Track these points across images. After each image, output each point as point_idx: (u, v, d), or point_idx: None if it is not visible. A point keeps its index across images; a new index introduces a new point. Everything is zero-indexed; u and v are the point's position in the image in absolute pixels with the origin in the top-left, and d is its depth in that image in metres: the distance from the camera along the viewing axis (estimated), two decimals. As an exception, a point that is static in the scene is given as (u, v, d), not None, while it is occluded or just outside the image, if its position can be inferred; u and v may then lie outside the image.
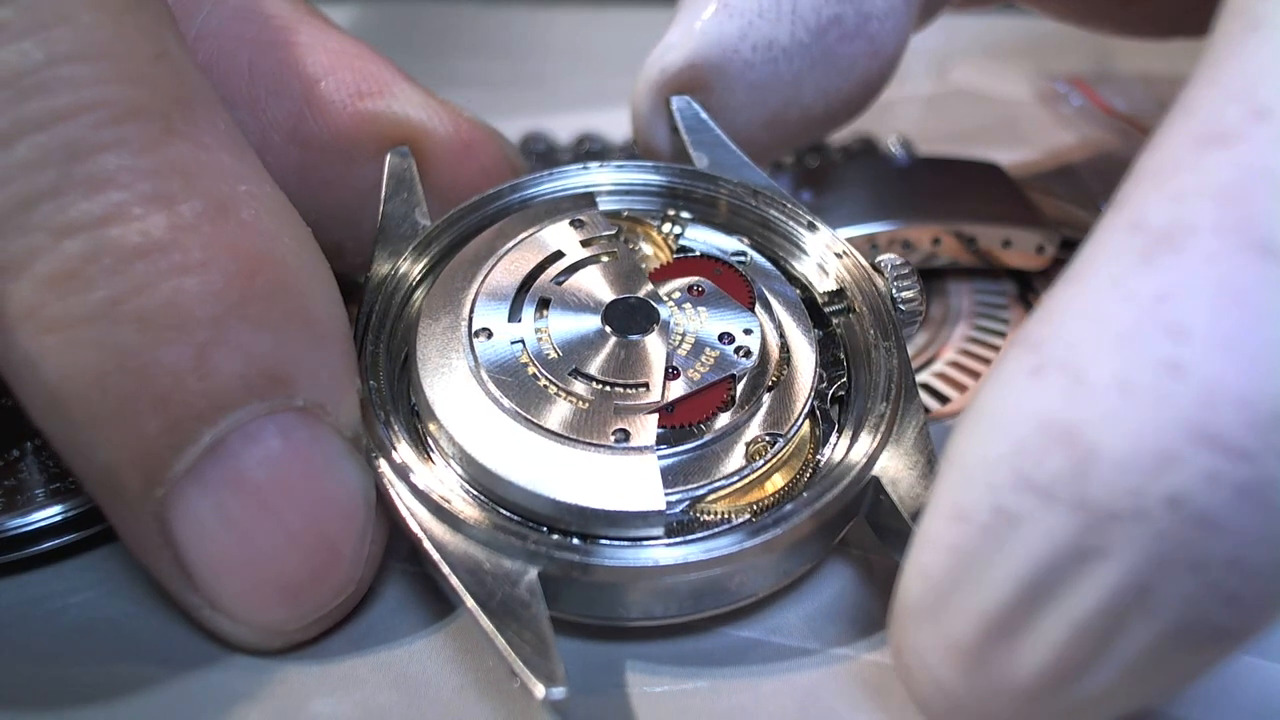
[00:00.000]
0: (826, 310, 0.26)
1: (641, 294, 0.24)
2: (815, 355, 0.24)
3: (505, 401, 0.22)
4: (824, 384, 0.24)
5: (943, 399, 0.29)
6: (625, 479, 0.21)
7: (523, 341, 0.23)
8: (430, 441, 0.22)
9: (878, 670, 0.22)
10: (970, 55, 0.47)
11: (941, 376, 0.30)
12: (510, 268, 0.25)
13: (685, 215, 0.27)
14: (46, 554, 0.24)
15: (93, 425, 0.19)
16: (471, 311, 0.24)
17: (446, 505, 0.21)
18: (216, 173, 0.20)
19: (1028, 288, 0.34)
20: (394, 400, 0.22)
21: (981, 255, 0.33)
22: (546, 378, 0.23)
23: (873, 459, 0.22)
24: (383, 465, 0.21)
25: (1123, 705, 0.17)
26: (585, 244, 0.25)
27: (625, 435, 0.22)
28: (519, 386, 0.22)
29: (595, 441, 0.22)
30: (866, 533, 0.23)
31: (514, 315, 0.24)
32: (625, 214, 0.27)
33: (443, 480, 0.21)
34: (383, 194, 0.26)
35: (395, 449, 0.21)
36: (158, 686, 0.21)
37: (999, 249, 0.33)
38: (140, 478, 0.19)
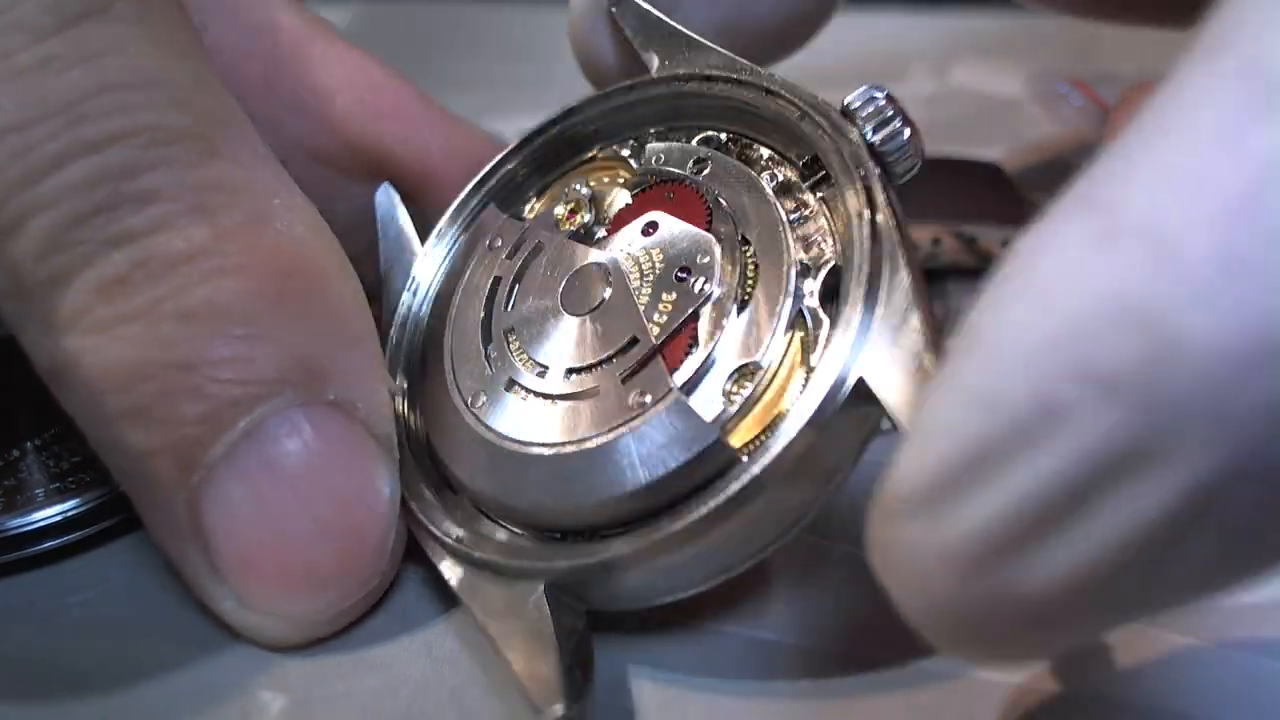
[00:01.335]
0: (805, 186, 0.22)
1: (590, 261, 0.23)
2: (789, 254, 0.21)
3: (539, 448, 0.21)
4: (808, 277, 0.21)
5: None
6: (668, 433, 0.20)
7: (512, 380, 0.22)
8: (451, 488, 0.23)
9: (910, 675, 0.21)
10: (970, 55, 0.47)
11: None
12: (463, 328, 0.24)
13: (643, 134, 0.25)
14: (47, 554, 0.24)
15: (132, 414, 0.20)
16: (454, 375, 0.23)
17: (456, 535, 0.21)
18: (254, 188, 0.21)
19: (1028, 287, 0.33)
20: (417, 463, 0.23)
21: (981, 255, 0.33)
22: (551, 396, 0.22)
23: (853, 353, 0.19)
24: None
25: (1137, 618, 0.16)
26: (511, 257, 0.24)
27: (642, 398, 0.21)
28: (539, 421, 0.22)
29: (621, 421, 0.21)
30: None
31: (490, 366, 0.23)
32: (588, 160, 0.26)
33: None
34: (378, 234, 0.26)
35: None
36: (158, 686, 0.21)
37: (999, 249, 0.33)
38: (176, 464, 0.20)
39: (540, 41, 0.55)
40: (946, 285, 0.34)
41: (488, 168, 0.26)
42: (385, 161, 0.27)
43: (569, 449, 0.21)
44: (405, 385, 0.24)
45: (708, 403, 0.20)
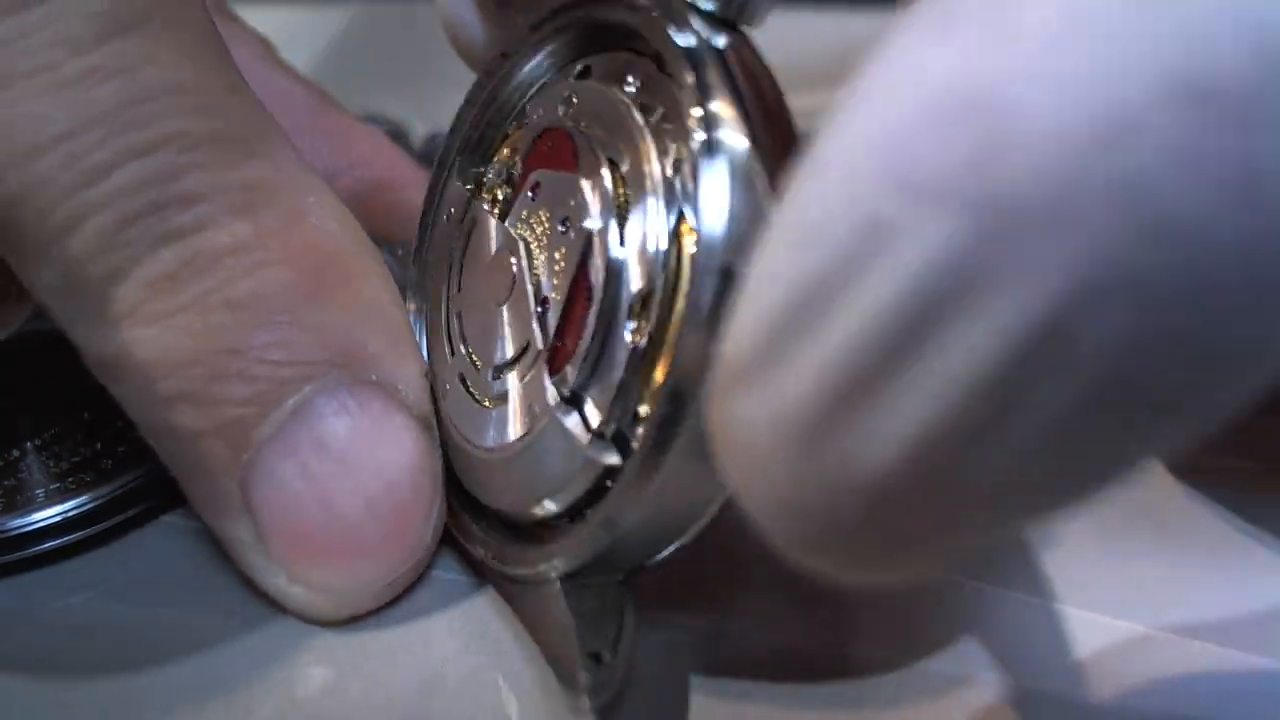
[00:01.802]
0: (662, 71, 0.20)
1: (494, 240, 0.22)
2: (653, 161, 0.19)
3: (480, 451, 0.22)
4: (671, 173, 0.19)
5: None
6: (550, 457, 0.20)
7: (462, 376, 0.23)
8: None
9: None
10: None
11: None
12: (423, 334, 0.24)
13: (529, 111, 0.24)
14: (47, 554, 0.24)
15: (183, 398, 0.21)
16: (433, 372, 0.23)
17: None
18: (289, 187, 0.22)
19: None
20: None
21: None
22: (482, 398, 0.22)
23: (676, 217, 0.18)
24: None
25: (1015, 510, 0.13)
26: (459, 232, 0.24)
27: (538, 406, 0.20)
28: (477, 420, 0.22)
29: (527, 432, 0.21)
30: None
31: (449, 352, 0.23)
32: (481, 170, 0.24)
33: None
34: None
35: None
36: (158, 686, 0.21)
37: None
38: (227, 444, 0.21)
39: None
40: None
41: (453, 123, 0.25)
42: (388, 230, 0.28)
43: (498, 455, 0.21)
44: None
45: (604, 391, 0.19)
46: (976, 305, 0.11)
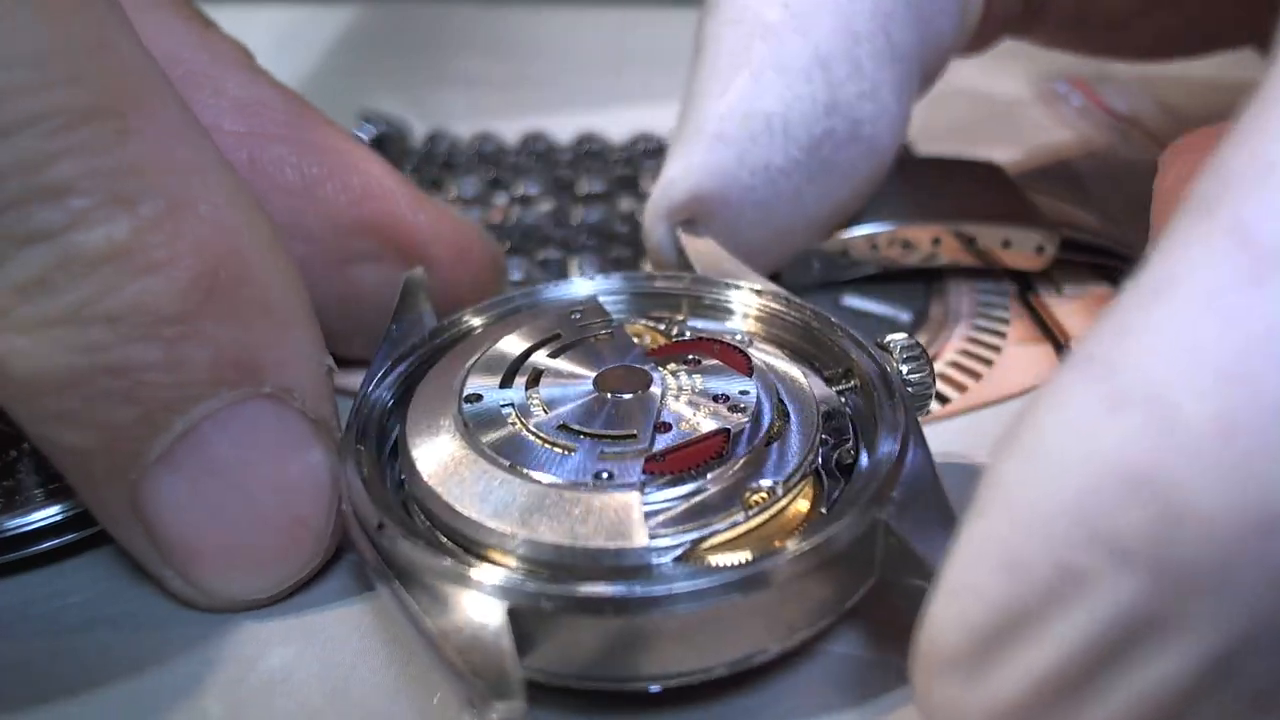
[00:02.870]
0: (833, 388, 0.25)
1: (636, 364, 0.24)
2: (817, 410, 0.23)
3: (483, 446, 0.22)
4: (829, 446, 0.23)
5: (943, 399, 0.29)
6: (605, 516, 0.20)
7: (512, 404, 0.23)
8: (415, 506, 0.22)
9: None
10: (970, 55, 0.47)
11: (941, 377, 0.30)
12: (505, 347, 0.25)
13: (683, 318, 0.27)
14: (45, 554, 0.24)
15: (65, 417, 0.20)
16: (464, 381, 0.23)
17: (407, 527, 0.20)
18: (174, 168, 0.20)
19: (1028, 288, 0.33)
20: (381, 479, 0.22)
21: (981, 255, 0.33)
22: (532, 431, 0.22)
23: (878, 498, 0.20)
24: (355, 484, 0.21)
25: None
26: (582, 326, 0.25)
27: (610, 476, 0.21)
28: (503, 438, 0.22)
29: (576, 480, 0.21)
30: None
31: (505, 384, 0.24)
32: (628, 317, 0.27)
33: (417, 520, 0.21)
34: (394, 307, 0.27)
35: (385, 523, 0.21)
36: (157, 686, 0.21)
37: (999, 249, 0.33)
38: (113, 464, 0.20)
39: (539, 41, 0.55)
40: (946, 285, 0.34)
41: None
42: (367, 247, 0.28)
43: (526, 483, 0.21)
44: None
45: (731, 510, 0.21)
46: (1153, 646, 0.14)
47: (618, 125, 0.44)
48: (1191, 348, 0.14)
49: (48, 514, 0.23)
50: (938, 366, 0.30)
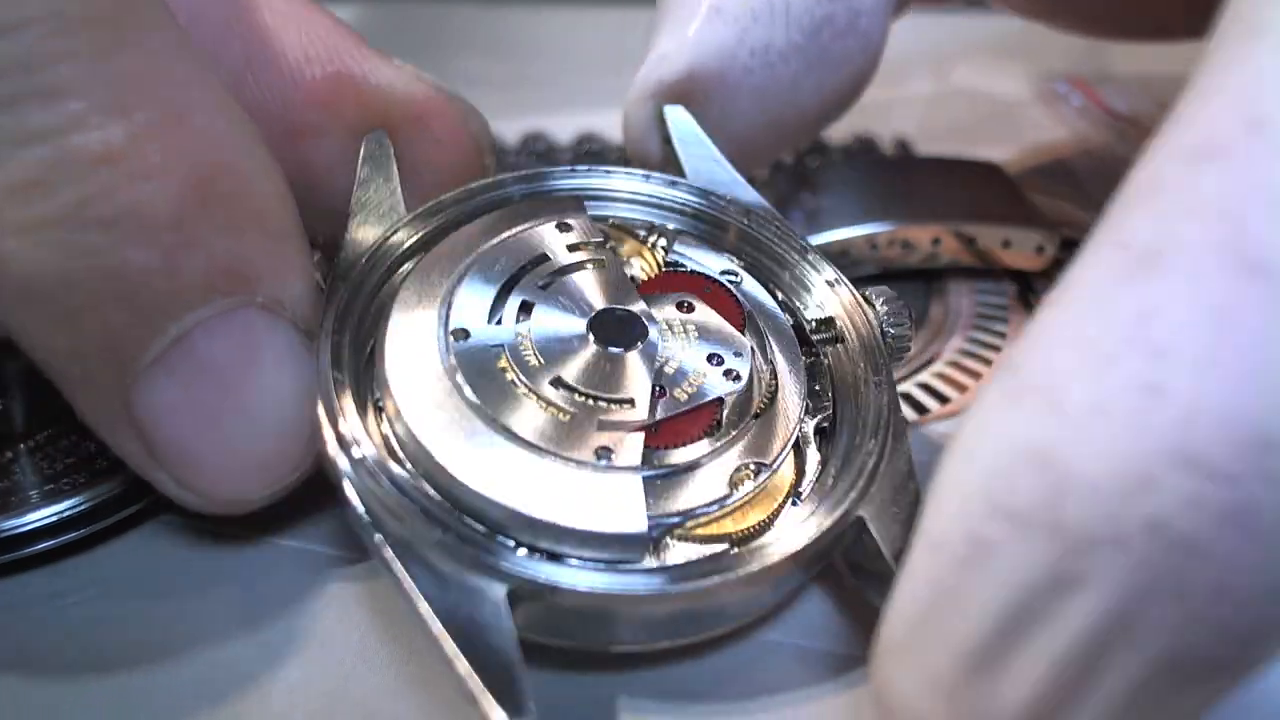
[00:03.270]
0: (814, 338, 0.25)
1: (631, 308, 0.24)
2: (802, 384, 0.24)
3: (481, 407, 0.21)
4: (809, 414, 0.24)
5: (943, 399, 0.29)
6: (607, 498, 0.20)
7: (503, 345, 0.22)
8: (396, 444, 0.21)
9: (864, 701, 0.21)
10: (970, 55, 0.47)
11: (941, 377, 0.30)
12: (492, 267, 0.24)
13: (672, 228, 0.26)
14: (41, 555, 0.23)
15: (61, 320, 0.20)
16: (448, 310, 0.23)
17: (405, 509, 0.20)
18: (169, 80, 0.20)
19: (1028, 288, 0.33)
20: (358, 394, 0.22)
21: (981, 255, 0.33)
22: (525, 385, 0.22)
23: (859, 498, 0.21)
24: (342, 461, 0.20)
25: None
26: (572, 249, 0.25)
27: (608, 453, 0.21)
28: (496, 392, 0.22)
29: (576, 457, 0.21)
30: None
31: (494, 317, 0.23)
32: (611, 221, 0.26)
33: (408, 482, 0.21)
34: (357, 177, 0.25)
35: (358, 444, 0.21)
36: (154, 685, 0.21)
37: (999, 249, 0.33)
38: (107, 367, 0.20)
39: (540, 41, 0.55)
40: (946, 285, 0.34)
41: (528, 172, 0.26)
42: (326, 115, 0.26)
43: (524, 451, 0.21)
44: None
45: (716, 486, 0.22)
46: (1060, 602, 0.16)
47: (617, 125, 0.44)
48: (1074, 340, 0.16)
49: (44, 515, 0.23)
50: (937, 367, 0.30)
